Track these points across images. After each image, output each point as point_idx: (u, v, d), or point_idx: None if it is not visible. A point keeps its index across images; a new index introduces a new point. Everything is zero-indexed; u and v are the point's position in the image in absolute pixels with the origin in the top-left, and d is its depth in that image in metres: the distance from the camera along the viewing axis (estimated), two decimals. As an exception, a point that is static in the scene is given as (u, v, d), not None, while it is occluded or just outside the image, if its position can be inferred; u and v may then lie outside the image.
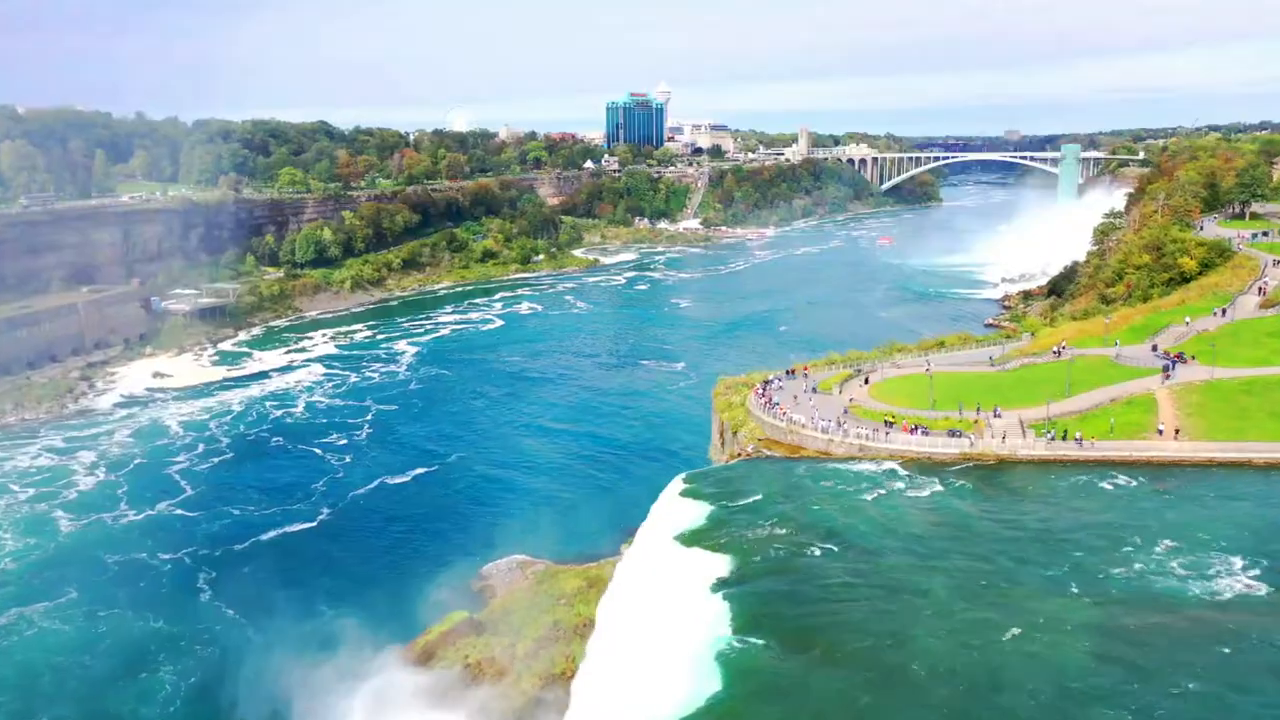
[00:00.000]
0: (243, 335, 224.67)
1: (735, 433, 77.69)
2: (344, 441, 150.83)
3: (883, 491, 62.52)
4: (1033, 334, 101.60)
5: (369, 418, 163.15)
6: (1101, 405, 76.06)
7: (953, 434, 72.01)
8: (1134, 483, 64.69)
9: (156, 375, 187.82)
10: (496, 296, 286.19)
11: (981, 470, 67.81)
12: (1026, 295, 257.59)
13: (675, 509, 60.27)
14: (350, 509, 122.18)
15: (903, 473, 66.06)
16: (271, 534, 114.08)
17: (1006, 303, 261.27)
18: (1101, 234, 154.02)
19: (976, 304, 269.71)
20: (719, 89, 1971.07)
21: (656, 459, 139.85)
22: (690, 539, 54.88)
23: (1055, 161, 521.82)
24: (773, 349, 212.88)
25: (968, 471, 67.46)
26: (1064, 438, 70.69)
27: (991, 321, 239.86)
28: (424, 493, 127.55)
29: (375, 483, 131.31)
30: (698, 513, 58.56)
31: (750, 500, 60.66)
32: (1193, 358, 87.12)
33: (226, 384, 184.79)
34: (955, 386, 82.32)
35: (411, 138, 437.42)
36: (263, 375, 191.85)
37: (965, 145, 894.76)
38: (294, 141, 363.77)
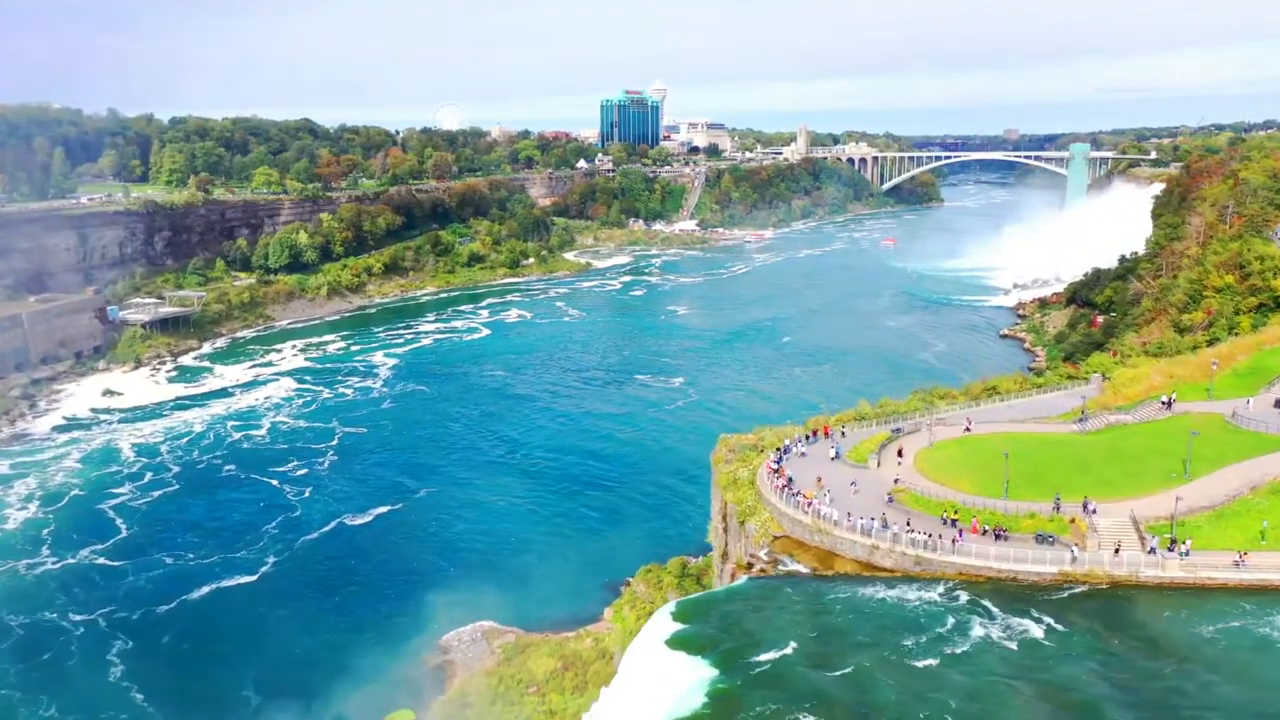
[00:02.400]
0: (206, 347, 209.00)
1: (743, 523, 59.14)
2: (304, 471, 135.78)
3: (962, 645, 43.56)
4: (1105, 376, 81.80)
5: (334, 443, 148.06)
6: (1239, 495, 55.96)
7: (1041, 539, 53.05)
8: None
9: (106, 393, 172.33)
10: (483, 303, 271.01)
11: (1093, 601, 48.05)
12: (1043, 303, 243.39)
13: (660, 670, 42.20)
14: (300, 557, 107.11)
15: (982, 603, 46.65)
16: (205, 590, 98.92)
17: (1021, 311, 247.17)
18: (1154, 245, 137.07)
19: (988, 312, 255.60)
20: (716, 88, 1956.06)
21: (651, 497, 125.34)
22: (683, 740, 37.41)
23: (1062, 161, 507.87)
24: (776, 362, 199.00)
25: (1074, 604, 47.62)
26: (1170, 547, 51.08)
27: (1008, 332, 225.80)
28: (385, 537, 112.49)
29: (332, 524, 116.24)
30: (693, 680, 40.56)
31: (770, 658, 41.96)
32: None
33: (182, 403, 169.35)
34: (1026, 457, 62.56)
35: (400, 136, 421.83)
36: (223, 393, 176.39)
37: (964, 144, 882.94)
38: (275, 140, 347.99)
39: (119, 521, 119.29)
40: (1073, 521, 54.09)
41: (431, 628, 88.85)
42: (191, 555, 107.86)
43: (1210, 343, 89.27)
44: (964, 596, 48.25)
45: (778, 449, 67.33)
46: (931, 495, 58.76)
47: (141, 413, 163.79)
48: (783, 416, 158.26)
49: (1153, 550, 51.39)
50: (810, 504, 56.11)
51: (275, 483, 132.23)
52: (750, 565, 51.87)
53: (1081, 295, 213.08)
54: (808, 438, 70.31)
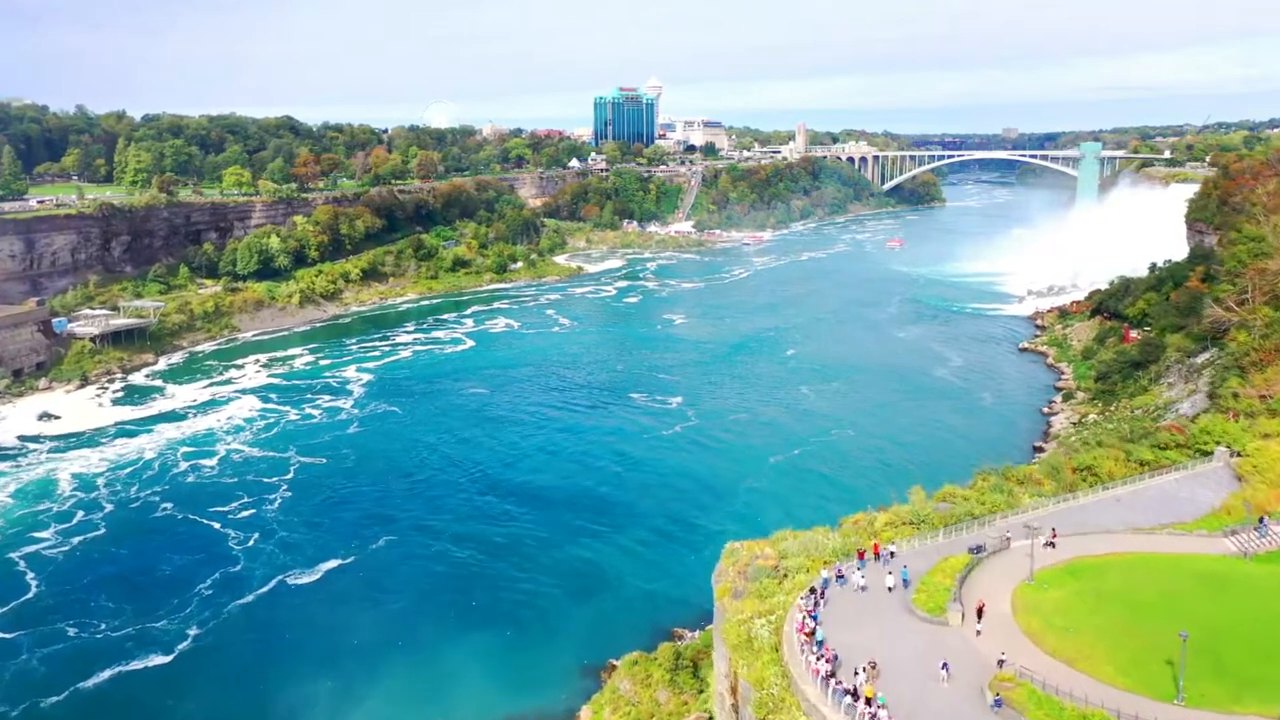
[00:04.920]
0: (162, 363, 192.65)
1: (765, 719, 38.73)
2: (250, 513, 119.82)
3: None
4: (1234, 450, 60.86)
5: (288, 477, 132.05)
6: None
7: None
8: None
9: (43, 417, 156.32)
10: (467, 311, 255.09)
11: None
12: (1063, 313, 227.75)
13: None
14: (228, 629, 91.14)
15: None
16: (106, 674, 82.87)
17: (1039, 321, 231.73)
18: (1236, 263, 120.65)
19: (1003, 321, 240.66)
20: (712, 86, 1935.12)
21: (643, 544, 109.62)
22: None
23: (1072, 161, 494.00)
24: (781, 379, 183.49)
25: None
26: None
27: (1028, 346, 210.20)
28: (331, 601, 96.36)
29: (272, 583, 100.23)
30: None
31: None
32: None
33: (126, 429, 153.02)
34: (1180, 610, 41.23)
35: (386, 135, 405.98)
36: (174, 416, 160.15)
37: (962, 143, 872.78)
38: (254, 138, 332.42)
39: (30, 576, 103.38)
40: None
41: (372, 730, 73.18)
42: (103, 625, 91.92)
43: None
44: None
45: (810, 589, 46.36)
46: (1061, 693, 37.09)
47: (79, 440, 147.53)
48: (791, 446, 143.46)
49: None
50: (873, 712, 35.68)
51: (217, 525, 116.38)
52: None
53: (1109, 306, 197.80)
54: (840, 576, 48.87)
